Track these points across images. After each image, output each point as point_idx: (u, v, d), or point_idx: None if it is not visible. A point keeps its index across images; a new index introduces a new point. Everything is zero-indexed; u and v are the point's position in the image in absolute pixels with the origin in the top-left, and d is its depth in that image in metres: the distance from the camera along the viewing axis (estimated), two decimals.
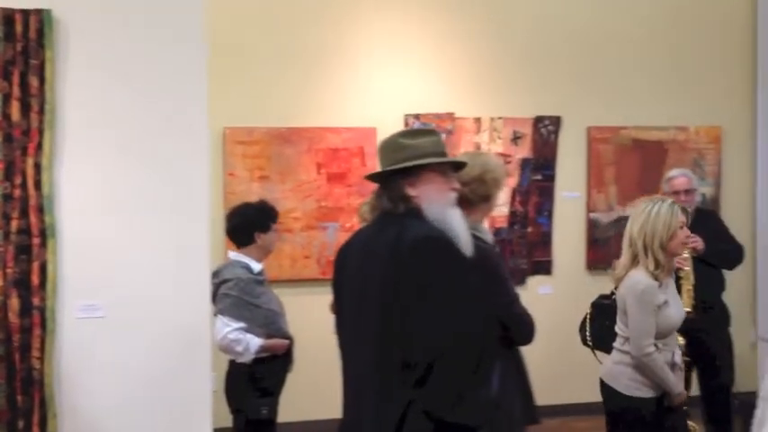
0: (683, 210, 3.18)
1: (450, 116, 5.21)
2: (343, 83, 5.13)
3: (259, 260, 3.63)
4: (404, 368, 1.98)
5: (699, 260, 4.21)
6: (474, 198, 2.64)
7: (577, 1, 5.36)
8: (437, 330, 1.94)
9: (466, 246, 2.17)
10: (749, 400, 5.10)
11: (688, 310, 4.14)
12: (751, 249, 5.42)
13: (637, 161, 5.40)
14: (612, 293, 3.76)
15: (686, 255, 4.21)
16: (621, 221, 5.37)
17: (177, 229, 3.20)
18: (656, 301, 3.08)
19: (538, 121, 5.32)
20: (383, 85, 5.15)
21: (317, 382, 4.44)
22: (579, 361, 5.41)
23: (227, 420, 3.61)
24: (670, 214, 3.09)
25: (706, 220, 4.45)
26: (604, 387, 3.32)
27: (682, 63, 5.45)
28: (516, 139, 5.32)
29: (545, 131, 5.34)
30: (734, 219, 5.37)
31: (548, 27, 5.31)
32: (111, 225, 3.14)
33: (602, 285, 5.34)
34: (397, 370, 1.99)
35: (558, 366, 5.36)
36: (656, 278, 3.09)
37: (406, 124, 5.13)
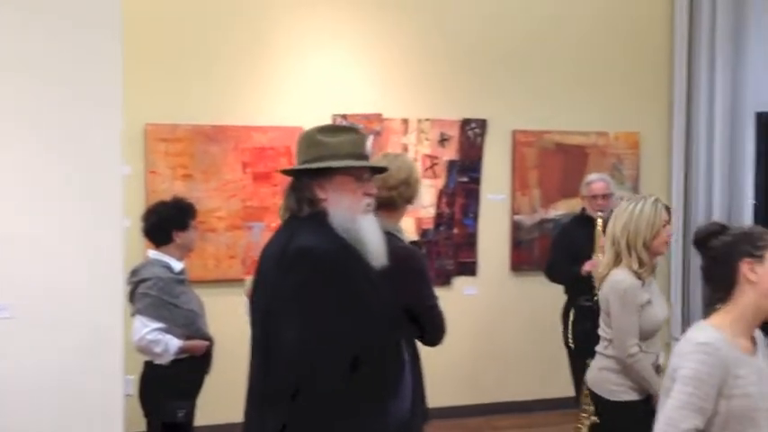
0: (666, 207, 3.13)
1: (378, 117, 5.22)
2: (271, 81, 5.07)
3: (180, 259, 3.55)
4: (281, 386, 1.87)
5: None
6: (399, 201, 2.62)
7: (504, 7, 5.44)
8: (304, 350, 1.83)
9: (377, 256, 2.07)
10: None
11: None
12: (666, 253, 5.61)
13: (559, 165, 5.52)
14: (595, 295, 3.64)
15: (600, 255, 4.32)
16: (544, 224, 5.52)
17: (89, 227, 3.12)
18: (638, 301, 3.02)
19: (465, 123, 5.38)
20: (311, 84, 5.12)
21: (236, 384, 4.37)
22: (502, 360, 5.52)
23: (142, 425, 3.51)
24: (653, 212, 3.04)
25: None
26: (591, 394, 3.21)
27: (603, 71, 5.60)
28: (443, 141, 5.37)
29: (471, 134, 5.41)
30: None
31: (476, 31, 5.38)
32: (20, 222, 3.03)
33: (526, 287, 5.48)
34: (279, 386, 1.88)
35: (481, 366, 5.44)
36: (639, 277, 3.03)
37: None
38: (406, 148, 5.26)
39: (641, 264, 3.03)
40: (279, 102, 5.05)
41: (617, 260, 3.08)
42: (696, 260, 5.43)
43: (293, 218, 2.08)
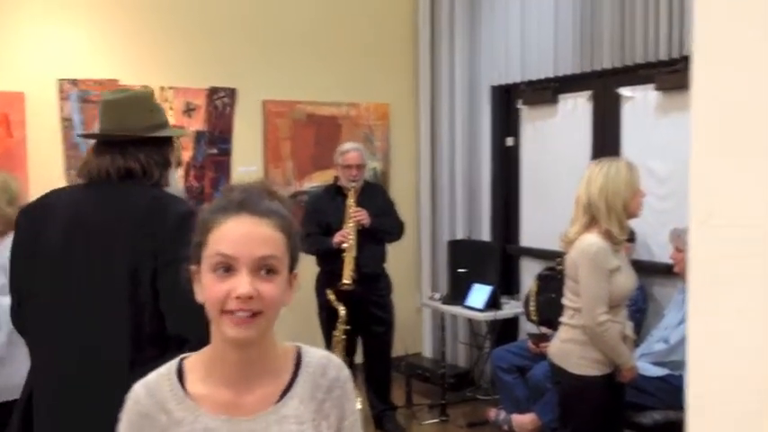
0: None
1: (114, 83, 4.76)
2: None
3: None
4: (161, 340, 1.89)
5: (364, 233, 4.36)
6: None
7: None
8: (194, 304, 1.84)
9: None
10: (415, 362, 5.49)
11: (347, 281, 4.26)
12: (416, 220, 5.81)
13: (312, 136, 5.46)
14: (559, 264, 3.51)
15: (351, 225, 4.34)
16: (298, 196, 5.42)
17: None
18: (608, 266, 2.85)
19: (212, 92, 5.10)
20: (33, 46, 4.52)
21: None
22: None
23: None
24: (630, 173, 2.90)
25: (373, 194, 4.60)
26: (554, 368, 3.02)
27: (352, 42, 5.61)
28: (190, 110, 5.04)
29: (220, 103, 5.14)
30: (401, 192, 5.71)
31: None
32: None
33: None
34: (151, 341, 1.90)
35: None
36: (614, 242, 2.87)
37: (61, 90, 4.59)
38: None
39: (621, 227, 2.89)
40: None
41: (590, 225, 2.91)
42: (443, 228, 5.69)
43: (123, 180, 2.01)
